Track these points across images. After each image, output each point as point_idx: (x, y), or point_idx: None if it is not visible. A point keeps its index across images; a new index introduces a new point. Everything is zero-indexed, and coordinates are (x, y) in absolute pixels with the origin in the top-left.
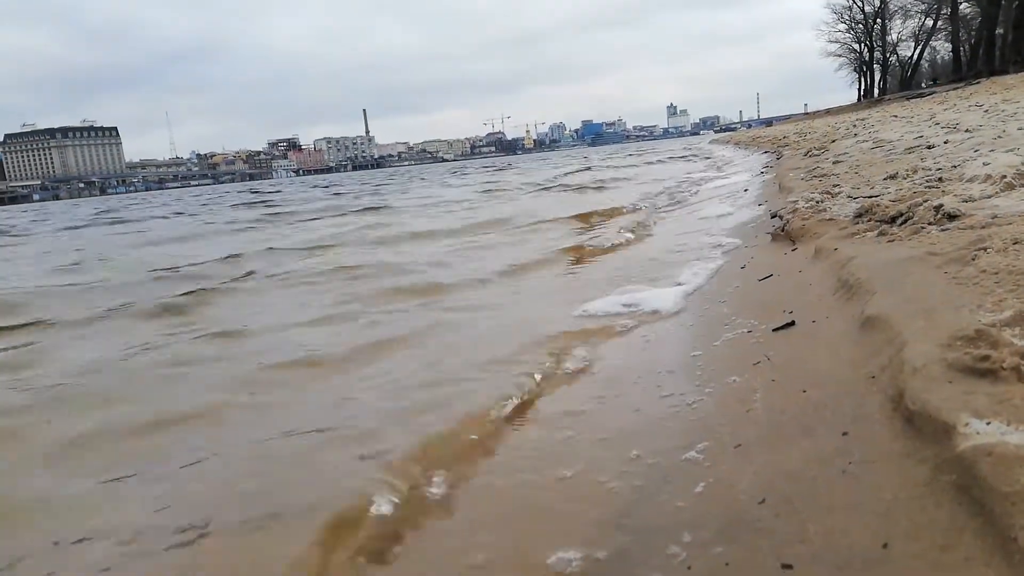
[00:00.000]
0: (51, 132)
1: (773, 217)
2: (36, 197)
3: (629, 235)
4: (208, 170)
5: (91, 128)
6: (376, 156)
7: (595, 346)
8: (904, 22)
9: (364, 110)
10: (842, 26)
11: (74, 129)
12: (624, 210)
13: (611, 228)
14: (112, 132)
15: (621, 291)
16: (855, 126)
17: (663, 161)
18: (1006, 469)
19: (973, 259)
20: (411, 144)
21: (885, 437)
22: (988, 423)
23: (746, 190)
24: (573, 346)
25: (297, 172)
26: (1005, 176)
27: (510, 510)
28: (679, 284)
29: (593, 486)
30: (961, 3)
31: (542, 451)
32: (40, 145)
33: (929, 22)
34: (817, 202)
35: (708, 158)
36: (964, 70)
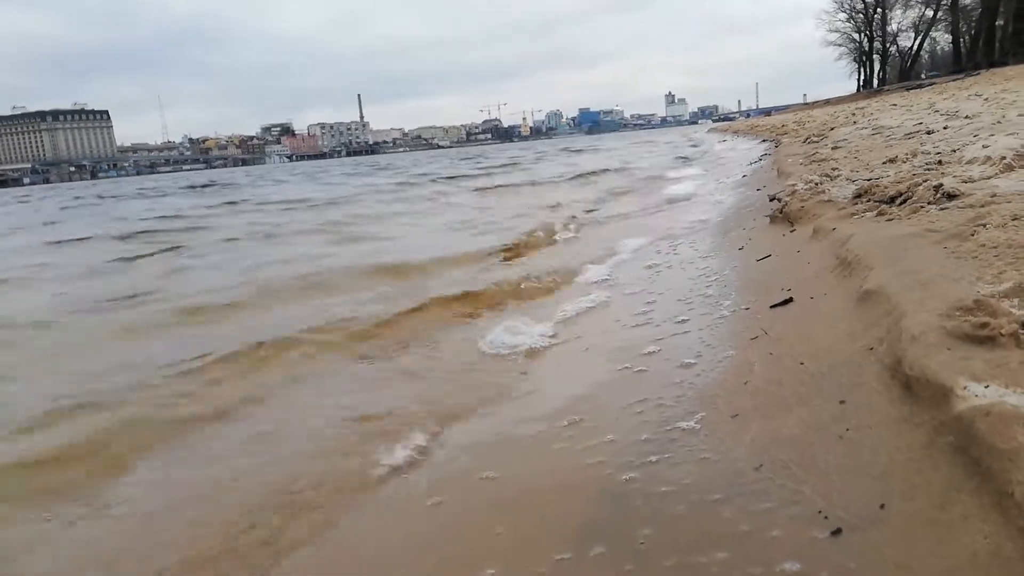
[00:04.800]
0: (42, 115)
1: (771, 200)
2: (26, 180)
3: None
4: (200, 155)
5: (82, 111)
6: (371, 142)
7: None
8: (904, 12)
9: (359, 95)
10: (842, 15)
11: (65, 112)
12: None
13: None
14: (103, 115)
15: None
16: (854, 115)
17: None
18: (1004, 428)
19: (972, 235)
20: (406, 130)
21: (883, 404)
22: (986, 386)
23: (744, 176)
24: None
25: (291, 158)
26: (1005, 158)
27: None
28: None
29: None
30: None
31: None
32: (30, 128)
33: (929, 13)
34: (816, 184)
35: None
36: (964, 61)
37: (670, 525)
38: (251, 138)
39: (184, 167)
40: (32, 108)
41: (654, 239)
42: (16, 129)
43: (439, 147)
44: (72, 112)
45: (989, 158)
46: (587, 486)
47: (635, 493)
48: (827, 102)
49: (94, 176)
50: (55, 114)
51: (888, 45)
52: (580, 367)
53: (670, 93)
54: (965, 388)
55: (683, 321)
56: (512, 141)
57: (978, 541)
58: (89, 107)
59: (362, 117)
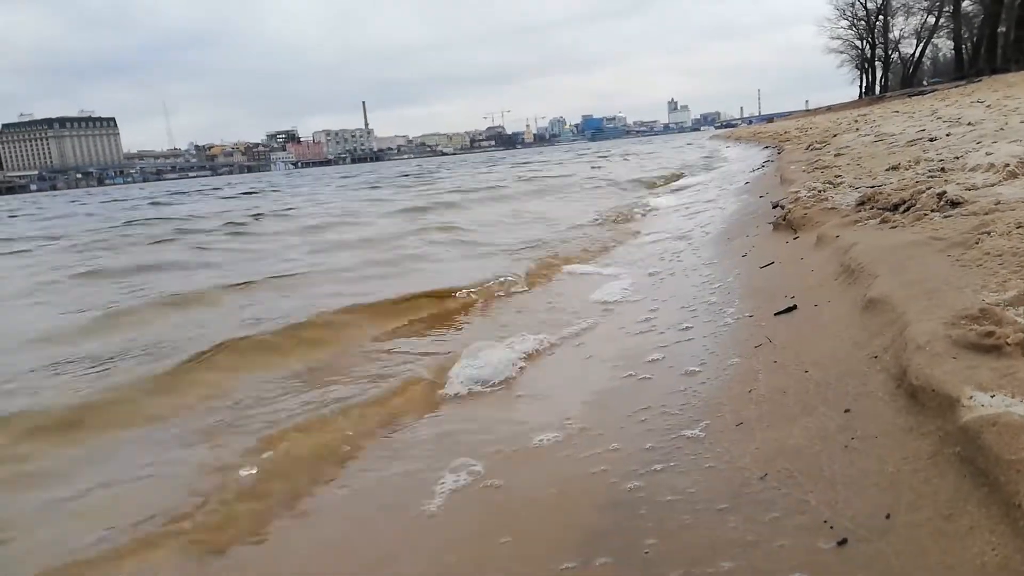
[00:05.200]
0: (49, 122)
1: (775, 207)
2: (33, 188)
3: None
4: (206, 162)
5: (89, 119)
6: (375, 149)
7: None
8: (907, 19)
9: (363, 102)
10: (844, 23)
11: (72, 119)
12: None
13: None
14: (110, 123)
15: None
16: (856, 122)
17: None
18: (1012, 438)
19: (976, 243)
20: (410, 137)
21: (888, 413)
22: (993, 396)
23: (747, 183)
24: None
25: (296, 165)
26: (1008, 165)
27: None
28: None
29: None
30: (963, 1)
31: None
32: (38, 135)
33: (931, 19)
34: (819, 191)
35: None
36: (966, 68)
37: (676, 534)
38: (256, 145)
39: (190, 174)
40: (37, 115)
41: (654, 249)
42: (23, 136)
43: (443, 154)
44: (79, 119)
45: (992, 165)
46: (592, 495)
47: (640, 502)
48: (829, 109)
49: (100, 183)
50: (62, 121)
51: (890, 52)
52: (583, 374)
53: (672, 100)
54: (971, 398)
55: (687, 328)
56: (516, 148)
57: (986, 552)
58: (96, 114)
59: (367, 124)
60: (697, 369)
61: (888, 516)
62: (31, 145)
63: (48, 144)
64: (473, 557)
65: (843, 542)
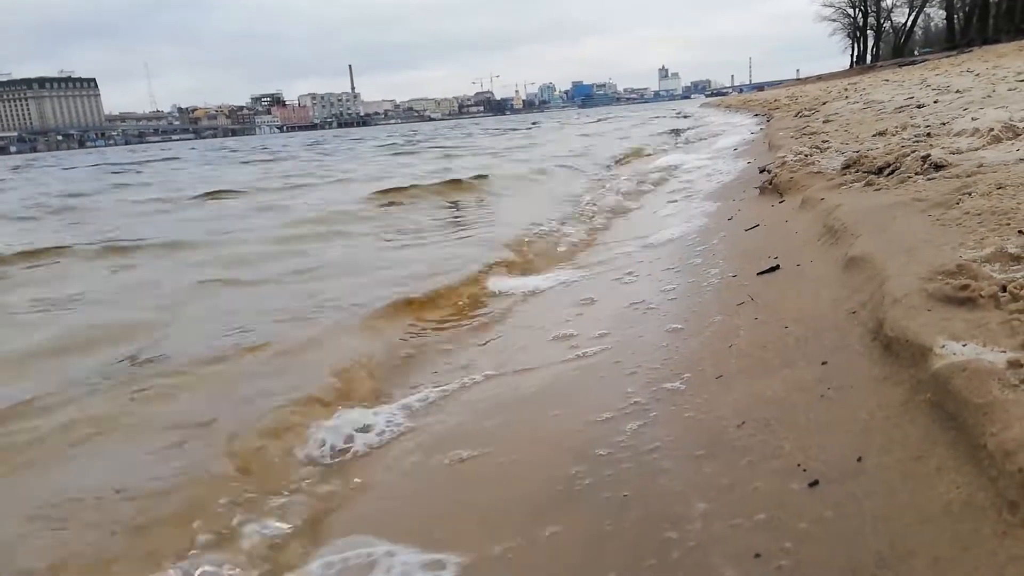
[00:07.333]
0: (28, 82)
1: (761, 172)
2: (13, 149)
3: None
4: (189, 124)
5: (69, 79)
6: (362, 113)
7: None
8: None
9: (350, 66)
10: None
11: (52, 80)
12: None
13: None
14: (91, 83)
15: None
16: (846, 90)
17: None
18: (980, 383)
19: (957, 203)
20: (398, 102)
21: (864, 365)
22: (964, 345)
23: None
24: None
25: (281, 128)
26: (993, 130)
27: None
28: None
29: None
30: None
31: None
32: (17, 96)
33: None
34: (805, 156)
35: None
36: (957, 38)
37: (654, 479)
38: (241, 108)
39: (173, 137)
40: (16, 76)
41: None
42: (2, 97)
43: (431, 119)
44: (59, 80)
45: (977, 130)
46: (574, 444)
47: (621, 450)
48: (820, 78)
49: (82, 145)
50: (42, 81)
51: (882, 21)
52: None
53: (663, 67)
54: (943, 347)
55: (671, 288)
56: (505, 114)
57: (952, 491)
58: (76, 75)
59: (353, 88)
60: (680, 326)
61: (859, 459)
62: (10, 106)
63: (28, 105)
64: (453, 502)
65: (815, 483)
